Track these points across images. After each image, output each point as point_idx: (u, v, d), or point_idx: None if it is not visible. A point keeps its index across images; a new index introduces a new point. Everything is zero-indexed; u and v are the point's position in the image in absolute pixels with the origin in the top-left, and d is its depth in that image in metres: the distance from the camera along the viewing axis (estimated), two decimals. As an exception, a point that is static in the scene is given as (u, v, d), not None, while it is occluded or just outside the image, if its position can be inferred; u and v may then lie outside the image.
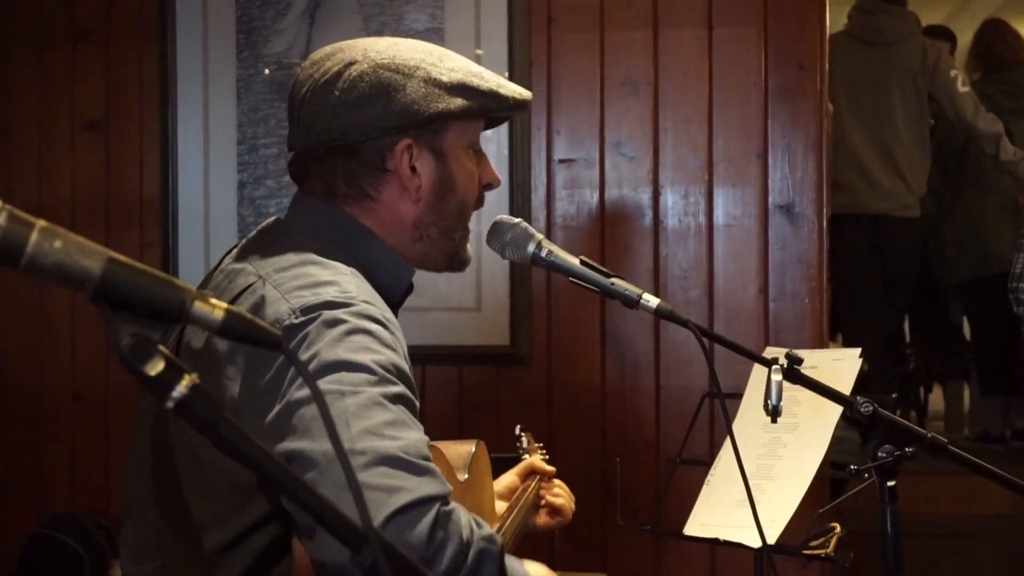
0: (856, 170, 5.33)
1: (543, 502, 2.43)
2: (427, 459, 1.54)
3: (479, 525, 1.61)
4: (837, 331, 7.04)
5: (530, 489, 2.38)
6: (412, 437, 1.55)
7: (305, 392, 1.55)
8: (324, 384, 1.55)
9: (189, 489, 1.71)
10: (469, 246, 2.04)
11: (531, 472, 2.43)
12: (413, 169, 1.89)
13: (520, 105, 1.97)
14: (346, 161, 1.88)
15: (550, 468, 2.45)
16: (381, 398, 1.56)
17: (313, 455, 1.50)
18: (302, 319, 1.62)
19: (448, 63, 1.91)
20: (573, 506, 2.44)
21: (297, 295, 1.66)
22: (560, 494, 2.43)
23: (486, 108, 1.91)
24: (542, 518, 2.45)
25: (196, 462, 1.70)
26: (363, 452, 1.49)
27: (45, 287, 4.06)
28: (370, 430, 1.52)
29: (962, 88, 5.32)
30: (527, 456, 2.51)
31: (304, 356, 1.58)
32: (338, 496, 1.46)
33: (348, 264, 1.79)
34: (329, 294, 1.66)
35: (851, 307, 5.72)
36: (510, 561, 1.72)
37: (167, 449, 1.73)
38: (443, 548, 1.51)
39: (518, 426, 2.60)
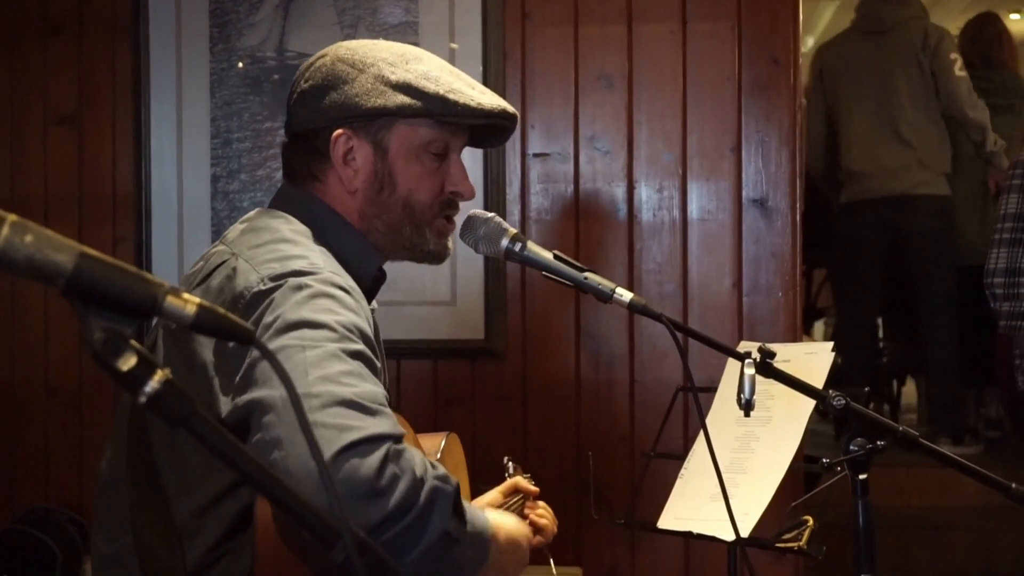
0: (868, 157, 5.40)
1: (527, 520, 2.44)
2: (382, 405, 1.59)
3: (434, 466, 1.63)
4: (811, 325, 7.08)
5: (513, 503, 2.39)
6: (368, 387, 1.60)
7: (269, 348, 1.60)
8: (287, 339, 1.62)
9: (162, 459, 1.77)
10: (449, 241, 2.06)
11: (515, 491, 2.45)
12: (350, 160, 1.97)
13: (475, 114, 1.98)
14: (302, 146, 2.00)
15: (534, 488, 2.47)
16: (340, 352, 1.62)
17: (272, 400, 1.57)
18: (270, 285, 1.71)
19: (413, 65, 1.98)
20: (555, 529, 2.46)
21: (266, 266, 1.76)
22: (544, 515, 2.45)
23: (430, 111, 1.95)
24: None
25: (171, 432, 1.74)
26: (318, 395, 1.55)
27: (18, 280, 4.04)
28: (327, 377, 1.58)
29: (959, 72, 5.37)
30: None
31: (269, 318, 1.66)
32: (293, 437, 1.53)
33: (317, 243, 1.88)
34: (297, 264, 1.76)
35: (849, 299, 5.77)
36: (469, 506, 1.73)
37: (143, 425, 1.79)
38: (394, 482, 1.53)
39: (506, 456, 2.60)
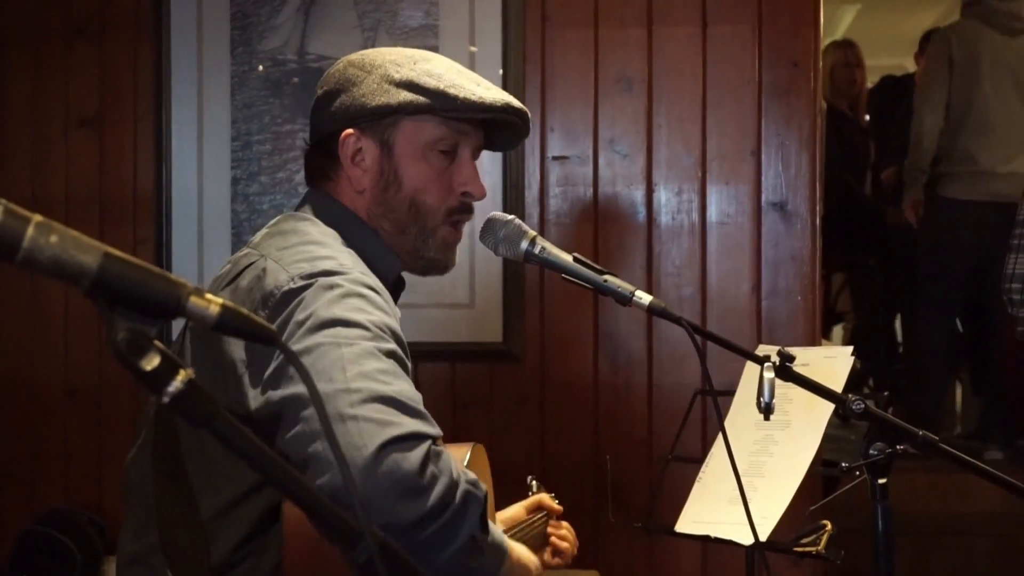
0: (1008, 157, 5.28)
1: (550, 539, 2.45)
2: (419, 404, 1.62)
3: (465, 471, 1.66)
4: (830, 329, 7.02)
5: (536, 520, 2.39)
6: (404, 386, 1.63)
7: (302, 345, 1.64)
8: (321, 337, 1.65)
9: (187, 455, 1.79)
10: (455, 252, 2.08)
11: (538, 507, 2.44)
12: (359, 160, 2.00)
13: (476, 108, 1.98)
14: (318, 151, 2.05)
15: (558, 507, 2.46)
16: (375, 350, 1.65)
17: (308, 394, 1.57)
18: (301, 284, 1.74)
19: (419, 64, 2.00)
20: (575, 551, 2.47)
21: (296, 266, 1.78)
22: (567, 537, 2.45)
23: (432, 106, 1.96)
24: (546, 555, 2.46)
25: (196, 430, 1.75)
26: (358, 390, 1.58)
27: (39, 282, 4.06)
28: (365, 374, 1.60)
29: None
30: None
31: (301, 316, 1.69)
32: (336, 428, 1.54)
33: (345, 246, 1.91)
34: (326, 264, 1.78)
35: (934, 301, 5.59)
36: (489, 520, 1.74)
37: (169, 423, 1.81)
38: (434, 481, 1.56)
39: (530, 476, 2.59)
